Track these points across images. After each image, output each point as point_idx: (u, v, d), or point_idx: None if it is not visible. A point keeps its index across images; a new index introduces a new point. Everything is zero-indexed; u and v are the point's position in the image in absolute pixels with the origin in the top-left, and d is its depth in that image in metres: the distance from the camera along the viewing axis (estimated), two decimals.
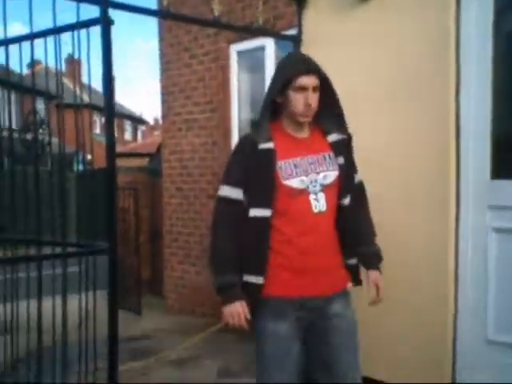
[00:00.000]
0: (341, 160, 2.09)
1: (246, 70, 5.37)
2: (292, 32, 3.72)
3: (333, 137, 2.11)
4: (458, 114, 2.79)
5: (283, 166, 2.01)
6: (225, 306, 2.00)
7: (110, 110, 2.66)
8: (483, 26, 2.75)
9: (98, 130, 24.74)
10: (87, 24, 2.64)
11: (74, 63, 3.02)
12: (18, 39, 2.85)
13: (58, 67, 2.81)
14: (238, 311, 1.98)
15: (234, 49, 5.36)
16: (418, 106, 2.86)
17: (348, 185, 2.12)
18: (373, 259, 2.16)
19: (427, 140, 2.83)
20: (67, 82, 17.19)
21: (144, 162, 9.79)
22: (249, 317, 1.99)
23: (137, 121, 36.01)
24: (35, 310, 3.01)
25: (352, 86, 2.91)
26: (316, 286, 2.02)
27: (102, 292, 2.77)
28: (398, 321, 2.95)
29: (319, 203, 2.01)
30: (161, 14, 2.91)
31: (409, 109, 2.89)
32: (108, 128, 2.66)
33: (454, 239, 2.81)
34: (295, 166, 2.02)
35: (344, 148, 2.11)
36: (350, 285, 2.14)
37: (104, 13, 2.57)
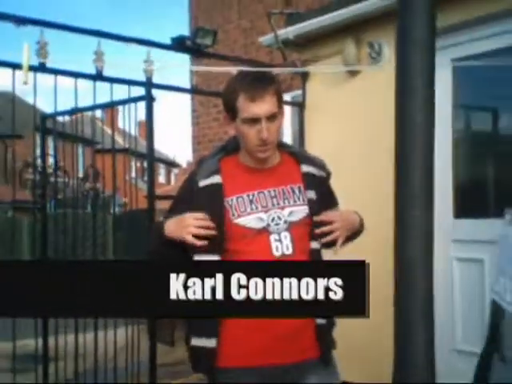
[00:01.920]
0: (311, 194, 1.70)
1: None
2: (290, 94, 4.72)
3: (307, 168, 1.74)
4: None
5: (234, 201, 1.64)
6: (171, 229, 1.64)
7: (151, 158, 3.44)
8: (444, 96, 3.45)
9: (133, 174, 25.86)
10: (135, 100, 3.44)
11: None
12: (87, 108, 3.65)
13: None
14: (185, 221, 1.61)
15: None
16: (391, 162, 3.52)
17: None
18: None
19: None
20: (106, 128, 18.51)
21: None
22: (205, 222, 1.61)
23: (170, 164, 37.31)
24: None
25: (338, 139, 3.64)
26: (280, 351, 1.60)
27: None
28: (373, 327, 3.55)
29: (282, 244, 1.61)
30: (191, 91, 3.70)
31: (384, 164, 3.54)
32: (149, 176, 3.42)
33: None
34: (251, 201, 1.64)
35: (319, 184, 1.75)
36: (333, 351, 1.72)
37: (148, 91, 3.37)
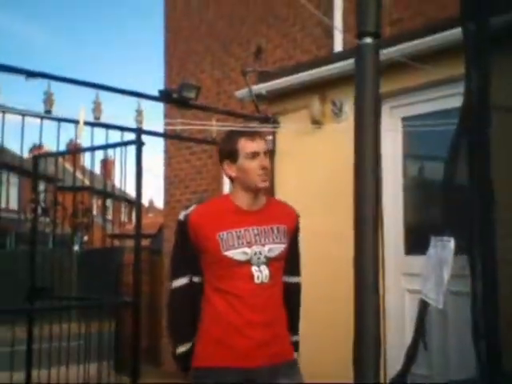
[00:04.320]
0: (292, 234, 2.15)
1: None
2: None
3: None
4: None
5: (224, 236, 1.99)
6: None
7: (138, 204, 3.83)
8: (396, 148, 4.01)
9: (95, 212, 25.71)
10: (126, 144, 3.85)
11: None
12: (84, 150, 4.03)
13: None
14: None
15: None
16: (349, 205, 4.00)
17: (294, 262, 2.19)
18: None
19: None
20: (68, 166, 18.61)
21: (145, 242, 10.86)
22: None
23: (129, 202, 37.18)
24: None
25: (304, 183, 4.12)
26: (257, 356, 1.96)
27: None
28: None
29: (262, 274, 1.99)
30: (176, 137, 4.13)
31: (342, 206, 4.01)
32: (137, 218, 3.80)
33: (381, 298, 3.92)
34: (238, 237, 1.99)
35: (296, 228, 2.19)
36: (295, 355, 2.13)
37: (138, 137, 3.79)
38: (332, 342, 3.71)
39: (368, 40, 1.57)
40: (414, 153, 4.15)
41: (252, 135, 2.06)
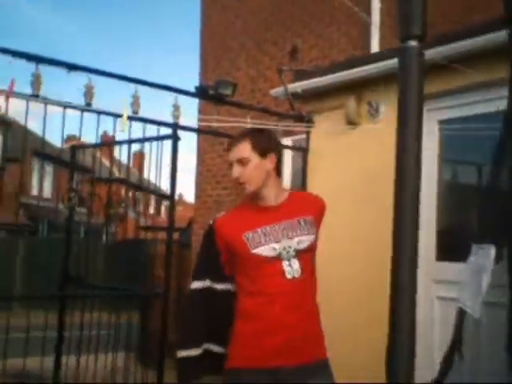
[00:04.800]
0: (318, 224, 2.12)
1: None
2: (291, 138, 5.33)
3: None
4: None
5: (250, 236, 1.99)
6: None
7: (172, 197, 3.88)
8: (432, 151, 3.96)
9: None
10: (163, 138, 3.91)
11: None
12: (121, 142, 4.13)
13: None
14: None
15: None
16: (379, 205, 3.97)
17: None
18: None
19: (387, 231, 3.91)
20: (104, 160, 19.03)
21: (174, 235, 11.00)
22: None
23: (161, 196, 37.57)
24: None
25: (336, 182, 4.12)
26: (287, 355, 1.94)
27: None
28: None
29: (292, 269, 1.98)
30: (212, 133, 4.18)
31: (375, 207, 4.01)
32: (170, 211, 3.86)
33: None
34: (264, 234, 2.00)
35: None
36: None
37: (174, 132, 3.84)
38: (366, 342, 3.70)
39: (413, 43, 1.56)
40: (449, 156, 4.09)
41: (228, 145, 2.08)
